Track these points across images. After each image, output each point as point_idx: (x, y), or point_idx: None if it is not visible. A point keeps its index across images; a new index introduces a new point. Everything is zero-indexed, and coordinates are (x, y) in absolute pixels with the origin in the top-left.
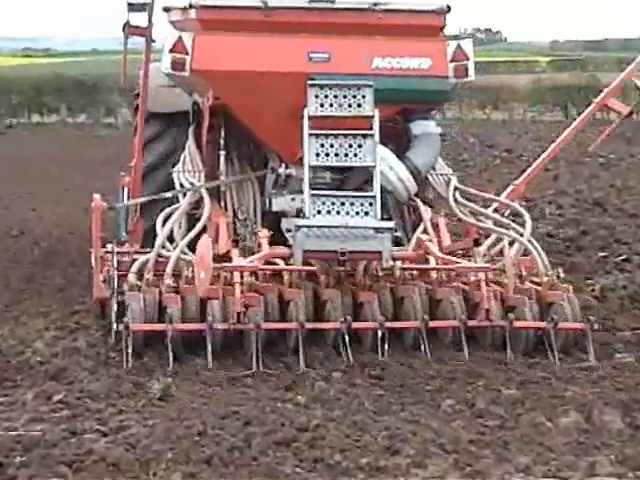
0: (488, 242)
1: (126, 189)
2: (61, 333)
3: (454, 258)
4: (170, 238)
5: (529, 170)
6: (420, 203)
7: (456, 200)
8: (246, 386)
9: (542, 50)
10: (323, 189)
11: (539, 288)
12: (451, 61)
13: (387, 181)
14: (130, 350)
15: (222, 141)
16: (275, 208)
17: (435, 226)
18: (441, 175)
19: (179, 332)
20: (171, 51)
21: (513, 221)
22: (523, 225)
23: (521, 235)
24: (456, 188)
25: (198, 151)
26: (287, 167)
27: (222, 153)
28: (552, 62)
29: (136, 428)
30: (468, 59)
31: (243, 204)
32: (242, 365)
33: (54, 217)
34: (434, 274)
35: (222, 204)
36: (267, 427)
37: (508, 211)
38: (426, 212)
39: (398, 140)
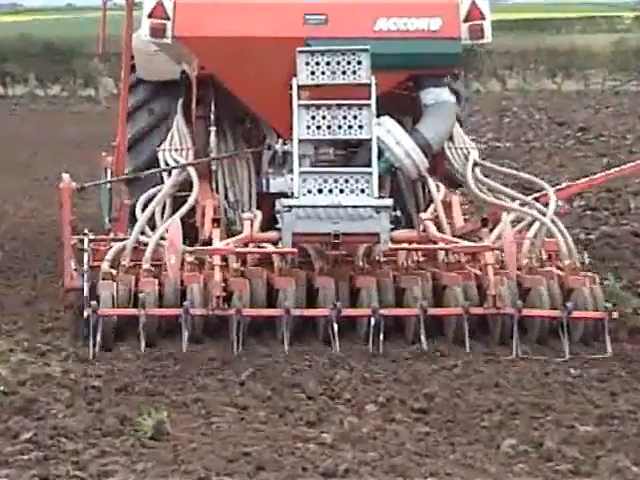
0: (504, 221)
1: (109, 170)
2: (30, 356)
3: (454, 238)
4: (153, 223)
5: (588, 180)
6: (430, 180)
7: (475, 177)
8: (258, 421)
9: (627, 4)
10: (326, 166)
11: (561, 273)
12: (465, 20)
13: (394, 157)
14: (99, 339)
15: (212, 116)
16: (273, 189)
17: (448, 205)
18: (461, 149)
19: (153, 317)
20: (150, 16)
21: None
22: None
23: (544, 215)
24: (476, 164)
25: (187, 127)
26: (285, 143)
27: (213, 129)
28: (638, 18)
29: (122, 474)
30: (484, 18)
31: (236, 185)
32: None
33: (21, 214)
34: (442, 258)
35: (213, 185)
36: (285, 472)
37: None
38: (436, 190)
39: (414, 111)
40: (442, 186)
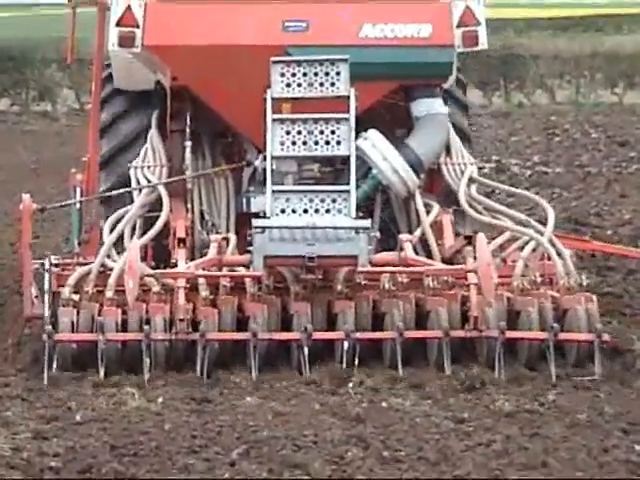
0: (498, 241)
1: (78, 189)
2: None
3: (429, 260)
4: (121, 246)
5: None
6: (419, 199)
7: (469, 194)
8: None
9: None
10: (311, 184)
11: (556, 294)
12: (458, 26)
13: (381, 174)
14: (54, 366)
15: (188, 130)
16: (254, 209)
17: (439, 225)
18: (458, 165)
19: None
20: (118, 24)
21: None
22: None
23: (541, 235)
24: (472, 180)
25: (161, 142)
26: (265, 159)
27: (188, 144)
28: None
29: None
30: (479, 23)
31: (213, 205)
32: None
33: None
34: (428, 282)
35: (188, 205)
36: None
37: None
38: (423, 211)
39: (409, 124)
40: (435, 205)
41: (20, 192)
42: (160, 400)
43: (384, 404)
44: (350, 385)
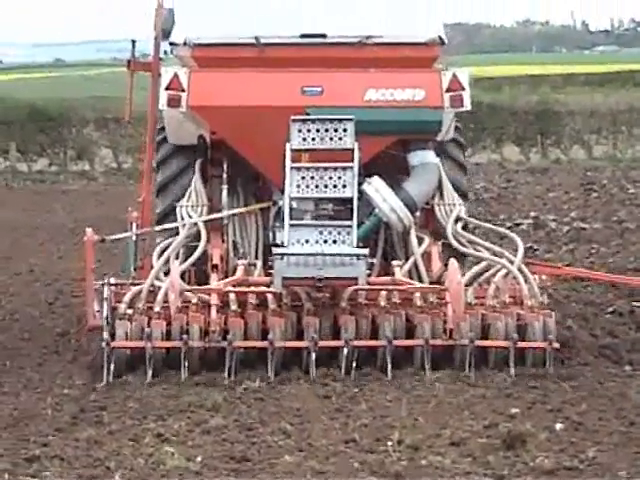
0: (475, 269)
1: (134, 224)
2: None
3: (411, 281)
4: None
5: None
6: (412, 233)
7: (455, 230)
8: None
9: None
10: (324, 220)
11: (522, 311)
12: (447, 91)
13: (382, 212)
14: (112, 368)
15: (225, 175)
16: (278, 240)
17: (429, 255)
18: (448, 205)
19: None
20: (167, 88)
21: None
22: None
23: (512, 263)
24: (458, 218)
25: (203, 185)
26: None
27: (224, 187)
28: None
29: None
30: (464, 89)
31: (245, 237)
32: None
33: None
34: (418, 301)
35: (225, 237)
36: None
37: None
38: (415, 243)
39: (406, 171)
40: (427, 238)
41: (57, 252)
42: (199, 459)
43: (424, 462)
44: (389, 443)
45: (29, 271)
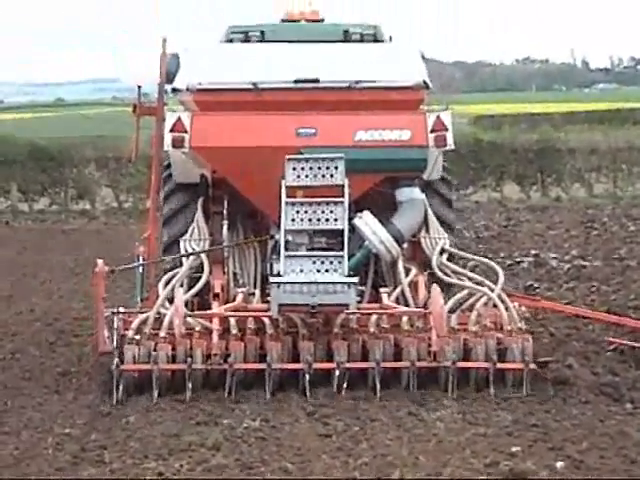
0: (458, 296)
1: (141, 258)
2: None
3: (396, 305)
4: (171, 299)
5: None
6: (400, 264)
7: (440, 261)
8: None
9: None
10: (318, 251)
11: (501, 335)
12: (431, 131)
13: (371, 244)
14: (121, 388)
15: (225, 211)
16: (275, 271)
17: (415, 284)
18: (433, 239)
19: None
20: (171, 130)
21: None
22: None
23: (492, 291)
24: (443, 250)
25: (205, 221)
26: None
27: (225, 222)
28: None
29: None
30: (447, 129)
31: (244, 269)
32: None
33: None
34: (405, 327)
35: (225, 269)
36: None
37: None
38: (403, 273)
39: (394, 206)
40: (414, 268)
41: (58, 291)
42: None
43: None
44: None
45: (30, 310)
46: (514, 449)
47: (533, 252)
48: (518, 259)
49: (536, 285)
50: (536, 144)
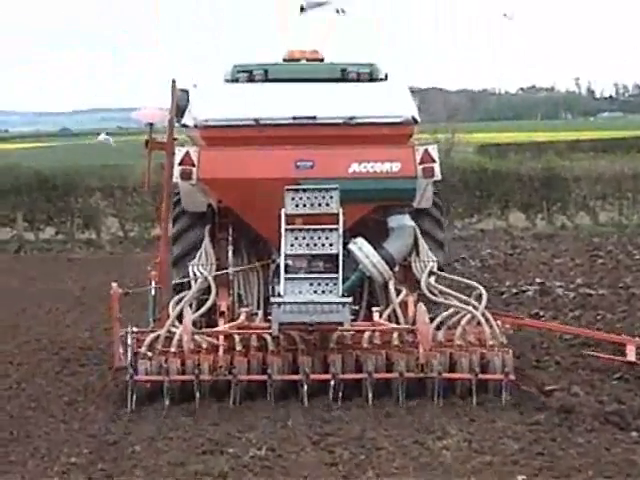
0: (444, 314)
1: (153, 282)
2: None
3: (386, 322)
4: (180, 318)
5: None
6: (391, 285)
7: (428, 283)
8: None
9: None
10: (315, 274)
11: (484, 350)
12: (419, 163)
13: (364, 267)
14: (134, 398)
15: (230, 238)
16: (276, 293)
17: (405, 304)
18: (423, 262)
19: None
20: (180, 164)
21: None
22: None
23: (476, 309)
24: (431, 273)
25: (212, 247)
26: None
27: (230, 248)
28: None
29: None
30: (434, 161)
31: (248, 291)
32: None
33: (4, 385)
34: (395, 342)
35: (231, 291)
36: None
37: None
38: (394, 293)
39: (386, 232)
40: (404, 289)
41: (64, 320)
42: None
43: None
44: None
45: (36, 340)
46: (520, 478)
47: (538, 280)
48: (524, 287)
49: (542, 313)
50: (541, 172)
